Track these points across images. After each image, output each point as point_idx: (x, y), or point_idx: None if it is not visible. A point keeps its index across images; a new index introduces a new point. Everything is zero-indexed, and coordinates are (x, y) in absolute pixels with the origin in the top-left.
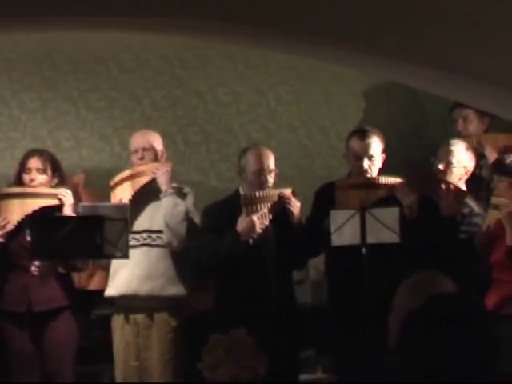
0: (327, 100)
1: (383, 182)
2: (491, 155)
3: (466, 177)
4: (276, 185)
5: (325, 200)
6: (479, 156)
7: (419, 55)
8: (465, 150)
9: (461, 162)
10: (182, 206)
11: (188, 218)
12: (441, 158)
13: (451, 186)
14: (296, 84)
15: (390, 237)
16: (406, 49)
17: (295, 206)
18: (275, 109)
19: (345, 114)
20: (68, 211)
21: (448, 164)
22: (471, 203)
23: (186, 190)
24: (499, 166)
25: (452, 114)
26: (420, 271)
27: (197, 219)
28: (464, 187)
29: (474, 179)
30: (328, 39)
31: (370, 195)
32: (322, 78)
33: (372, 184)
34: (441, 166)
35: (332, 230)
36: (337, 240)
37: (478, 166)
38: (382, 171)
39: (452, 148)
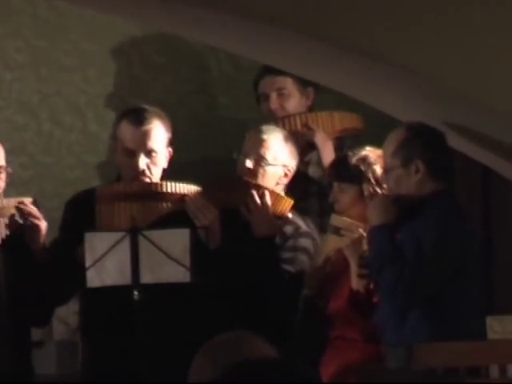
0: (80, 63)
1: (168, 189)
2: (324, 145)
3: (286, 179)
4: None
5: (79, 216)
6: (306, 146)
7: None
8: (283, 141)
9: (278, 157)
10: None
11: None
12: (248, 152)
13: (265, 192)
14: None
15: (177, 273)
16: None
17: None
18: None
19: (108, 85)
20: None
21: (259, 161)
22: (296, 218)
23: None
24: (340, 168)
25: (259, 87)
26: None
27: None
28: (284, 194)
29: (299, 182)
30: None
31: (148, 210)
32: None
33: (151, 193)
34: (249, 164)
35: (88, 262)
36: (95, 279)
37: (301, 161)
38: (168, 174)
39: (264, 137)
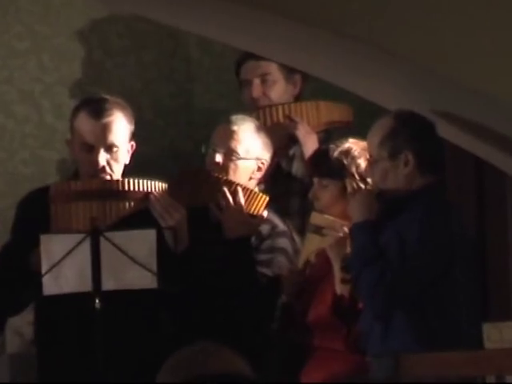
0: (35, 47)
1: (131, 187)
2: (307, 139)
3: (260, 173)
4: None
5: (33, 217)
6: (288, 139)
7: None
8: (256, 131)
9: (250, 150)
10: None
11: None
12: (217, 145)
13: (238, 189)
14: None
15: (143, 279)
16: None
17: None
18: None
19: (65, 72)
20: None
21: (229, 154)
22: (272, 217)
23: None
24: (321, 161)
25: (241, 72)
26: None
27: None
28: (258, 190)
29: (277, 178)
30: None
31: (108, 210)
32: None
33: (112, 191)
34: (218, 159)
35: (44, 267)
36: (52, 286)
37: (285, 156)
38: (130, 169)
39: (234, 128)
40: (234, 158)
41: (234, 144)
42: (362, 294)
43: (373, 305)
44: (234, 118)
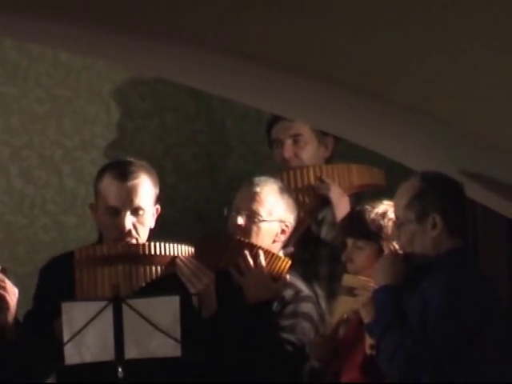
0: (54, 111)
1: (157, 251)
2: (340, 201)
3: (284, 236)
4: None
5: (56, 284)
6: (319, 202)
7: None
8: (279, 193)
9: (273, 212)
10: None
11: None
12: (239, 207)
13: (260, 252)
14: None
15: (166, 347)
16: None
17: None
18: None
19: (86, 136)
20: None
21: (251, 217)
22: (297, 281)
23: None
24: (357, 222)
25: (272, 132)
26: None
27: None
28: (282, 254)
29: (306, 242)
30: None
31: (135, 275)
32: None
33: (138, 256)
34: (240, 221)
35: (65, 336)
36: (73, 355)
37: (314, 219)
38: (155, 233)
39: (257, 190)
40: (256, 220)
41: (256, 206)
42: (381, 359)
43: (390, 370)
44: (256, 179)
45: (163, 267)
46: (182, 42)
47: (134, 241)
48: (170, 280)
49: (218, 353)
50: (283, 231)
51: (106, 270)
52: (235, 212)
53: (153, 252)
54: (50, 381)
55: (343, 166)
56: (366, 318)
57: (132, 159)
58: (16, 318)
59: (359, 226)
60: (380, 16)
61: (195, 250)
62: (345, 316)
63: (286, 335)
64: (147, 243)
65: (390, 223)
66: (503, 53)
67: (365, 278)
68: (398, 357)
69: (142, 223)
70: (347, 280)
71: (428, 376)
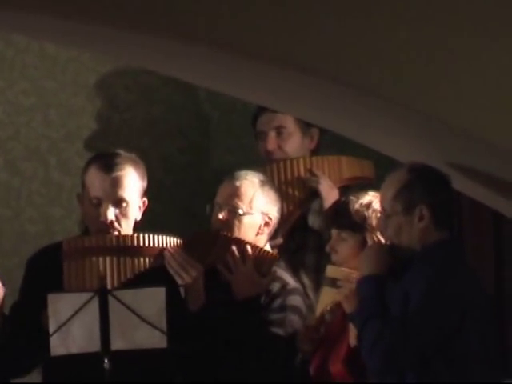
0: (41, 103)
1: (146, 243)
2: (329, 194)
3: (268, 229)
4: None
5: (43, 276)
6: (309, 193)
7: None
8: (259, 186)
9: (254, 205)
10: None
11: None
12: (221, 201)
13: (247, 247)
14: None
15: (152, 338)
16: None
17: None
18: None
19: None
20: None
21: (232, 211)
22: (283, 274)
23: None
24: (341, 213)
25: (257, 124)
26: None
27: None
28: (269, 246)
29: (293, 231)
30: None
31: (123, 266)
32: None
33: (126, 247)
34: (221, 216)
35: (51, 327)
36: (59, 346)
37: (306, 209)
38: (141, 226)
39: (237, 184)
40: (237, 213)
41: (236, 200)
42: (362, 349)
43: (370, 361)
44: (237, 173)
45: (151, 259)
46: (170, 34)
47: (116, 233)
48: (158, 272)
49: (204, 346)
50: (267, 223)
51: (95, 261)
52: (217, 207)
53: (141, 243)
54: (36, 372)
55: (333, 158)
56: (348, 309)
57: (121, 151)
58: (1, 310)
59: (343, 217)
60: (368, 9)
61: (184, 247)
62: (328, 308)
63: (274, 329)
64: (135, 234)
65: (375, 214)
66: (492, 49)
67: (348, 269)
68: (378, 347)
69: (125, 215)
70: (330, 271)
71: (411, 367)
